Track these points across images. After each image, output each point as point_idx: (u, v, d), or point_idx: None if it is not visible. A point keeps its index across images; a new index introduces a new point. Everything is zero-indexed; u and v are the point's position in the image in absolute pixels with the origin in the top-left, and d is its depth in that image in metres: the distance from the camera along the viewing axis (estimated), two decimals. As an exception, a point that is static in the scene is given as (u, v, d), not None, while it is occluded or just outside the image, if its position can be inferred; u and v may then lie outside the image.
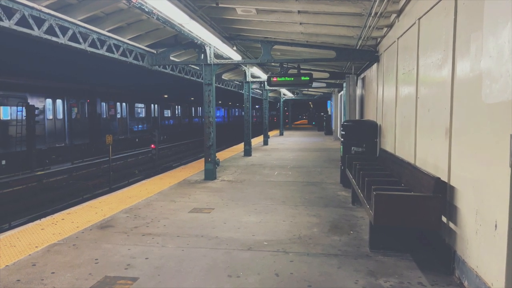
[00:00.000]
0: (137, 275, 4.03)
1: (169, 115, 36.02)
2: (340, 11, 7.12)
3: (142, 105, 29.88)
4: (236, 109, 71.25)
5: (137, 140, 28.05)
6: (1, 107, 15.97)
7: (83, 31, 7.43)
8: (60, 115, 19.68)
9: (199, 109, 45.67)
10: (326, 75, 14.55)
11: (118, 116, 25.76)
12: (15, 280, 3.91)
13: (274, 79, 11.05)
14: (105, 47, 8.18)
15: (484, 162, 3.24)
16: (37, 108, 17.45)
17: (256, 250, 4.78)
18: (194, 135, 38.76)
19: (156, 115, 32.56)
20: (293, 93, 29.41)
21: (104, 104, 23.95)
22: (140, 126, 29.16)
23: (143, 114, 29.86)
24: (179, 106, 38.49)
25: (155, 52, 10.19)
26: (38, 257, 4.54)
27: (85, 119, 21.80)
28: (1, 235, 5.34)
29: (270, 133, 30.05)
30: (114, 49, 8.53)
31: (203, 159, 10.57)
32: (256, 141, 22.69)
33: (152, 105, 31.77)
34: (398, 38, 6.76)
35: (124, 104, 26.61)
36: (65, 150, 19.68)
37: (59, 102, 19.62)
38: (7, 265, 4.27)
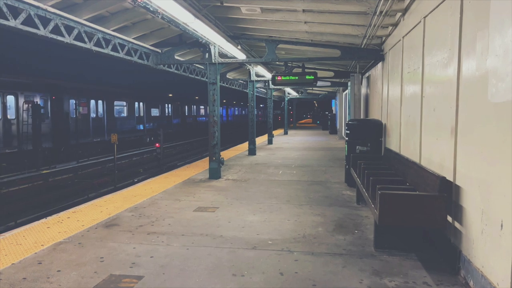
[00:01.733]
0: (142, 273, 4.05)
1: (158, 114, 32.30)
2: (345, 9, 7.10)
3: (124, 103, 26.18)
4: (236, 108, 68.00)
5: (117, 142, 25.52)
6: None
7: (88, 31, 7.46)
8: (12, 115, 16.36)
9: (194, 107, 42.22)
10: (331, 74, 14.51)
11: (93, 115, 22.34)
12: (21, 278, 3.94)
13: (279, 78, 11.04)
14: (110, 47, 8.20)
15: (490, 162, 3.22)
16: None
17: (261, 249, 4.79)
18: (188, 136, 35.86)
19: (141, 114, 28.88)
20: (297, 92, 29.38)
21: (74, 101, 20.53)
22: (121, 127, 25.30)
23: (125, 114, 26.24)
24: (169, 105, 34.83)
25: (160, 51, 10.21)
26: (44, 255, 4.57)
27: (48, 119, 18.32)
28: (7, 233, 5.38)
29: (275, 132, 30.03)
30: (119, 48, 8.55)
31: (207, 158, 10.60)
32: (261, 140, 22.68)
33: (136, 103, 28.08)
34: (403, 37, 6.73)
35: (100, 101, 23.17)
36: (19, 156, 16.32)
37: (10, 98, 16.30)
38: (13, 263, 4.30)
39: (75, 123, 20.53)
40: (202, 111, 45.81)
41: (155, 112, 31.64)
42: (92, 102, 22.49)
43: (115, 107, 25.04)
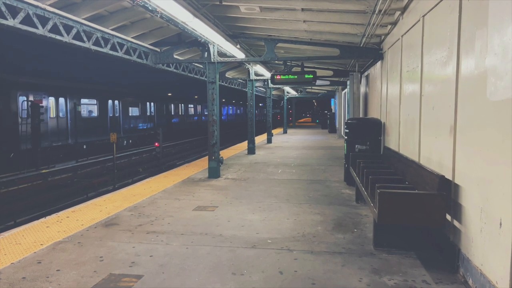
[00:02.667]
0: (142, 272, 4.05)
1: (138, 114, 28.12)
2: (344, 8, 7.10)
3: (94, 101, 22.39)
4: (230, 107, 61.58)
5: (84, 147, 20.98)
6: None
7: (87, 30, 7.45)
8: None
9: (182, 106, 37.68)
10: (330, 73, 14.52)
11: (52, 115, 18.66)
12: (21, 277, 3.94)
13: (278, 77, 11.03)
14: (109, 46, 8.20)
15: (489, 160, 3.22)
16: None
17: (260, 248, 4.79)
18: (173, 137, 31.99)
19: (116, 114, 24.86)
20: (296, 91, 29.37)
21: (24, 98, 16.89)
22: (90, 128, 21.51)
23: (95, 113, 22.57)
24: (152, 103, 30.68)
25: (159, 50, 10.21)
26: (43, 254, 4.57)
27: None
28: (7, 233, 5.37)
29: (274, 131, 30.04)
30: (118, 47, 8.55)
31: (206, 157, 10.61)
32: (260, 139, 22.68)
33: (110, 101, 24.21)
34: (402, 36, 6.74)
35: (62, 99, 19.44)
36: None
37: None
38: (12, 263, 4.30)
39: (27, 125, 16.64)
40: (192, 110, 41.39)
41: (134, 111, 27.60)
42: (51, 99, 18.71)
43: (82, 106, 21.30)
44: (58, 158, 18.48)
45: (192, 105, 41.31)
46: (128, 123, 26.59)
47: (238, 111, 68.40)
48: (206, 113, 45.85)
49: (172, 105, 35.28)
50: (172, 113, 35.24)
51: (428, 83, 5.14)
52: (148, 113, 29.91)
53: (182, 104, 37.88)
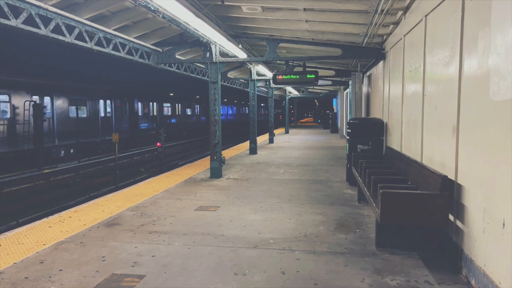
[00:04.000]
0: (144, 272, 4.05)
1: (85, 115, 20.71)
2: (346, 8, 7.09)
3: (5, 98, 15.66)
4: (225, 106, 52.53)
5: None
6: None
7: (89, 30, 7.46)
8: None
9: (154, 105, 29.25)
10: (332, 73, 14.50)
11: None
12: (23, 277, 3.94)
13: (280, 77, 11.01)
14: (111, 46, 8.21)
15: (492, 160, 3.21)
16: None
17: (262, 248, 4.79)
18: (141, 144, 25.28)
19: (51, 113, 18.12)
20: (298, 91, 29.36)
21: None
22: None
23: (7, 114, 15.74)
24: (109, 101, 23.23)
25: (161, 50, 10.22)
26: (45, 254, 4.57)
27: None
28: (9, 233, 5.39)
29: (276, 131, 30.03)
30: (120, 47, 8.56)
31: (208, 157, 10.63)
32: (262, 139, 22.67)
33: (37, 97, 17.23)
34: (404, 35, 6.72)
35: None
36: None
37: None
38: (15, 263, 4.31)
39: None
40: (168, 110, 32.67)
41: (80, 112, 20.26)
42: None
43: None
44: None
45: (168, 104, 32.73)
46: (67, 127, 19.19)
47: (231, 111, 57.47)
48: (189, 113, 38.41)
49: (140, 103, 27.27)
50: (140, 114, 27.41)
51: (430, 83, 5.12)
52: (102, 114, 22.63)
53: (155, 103, 29.63)
